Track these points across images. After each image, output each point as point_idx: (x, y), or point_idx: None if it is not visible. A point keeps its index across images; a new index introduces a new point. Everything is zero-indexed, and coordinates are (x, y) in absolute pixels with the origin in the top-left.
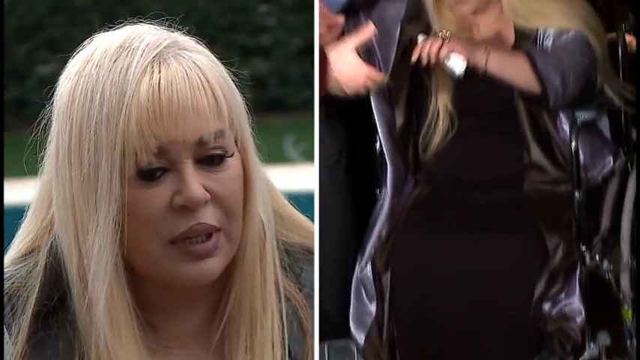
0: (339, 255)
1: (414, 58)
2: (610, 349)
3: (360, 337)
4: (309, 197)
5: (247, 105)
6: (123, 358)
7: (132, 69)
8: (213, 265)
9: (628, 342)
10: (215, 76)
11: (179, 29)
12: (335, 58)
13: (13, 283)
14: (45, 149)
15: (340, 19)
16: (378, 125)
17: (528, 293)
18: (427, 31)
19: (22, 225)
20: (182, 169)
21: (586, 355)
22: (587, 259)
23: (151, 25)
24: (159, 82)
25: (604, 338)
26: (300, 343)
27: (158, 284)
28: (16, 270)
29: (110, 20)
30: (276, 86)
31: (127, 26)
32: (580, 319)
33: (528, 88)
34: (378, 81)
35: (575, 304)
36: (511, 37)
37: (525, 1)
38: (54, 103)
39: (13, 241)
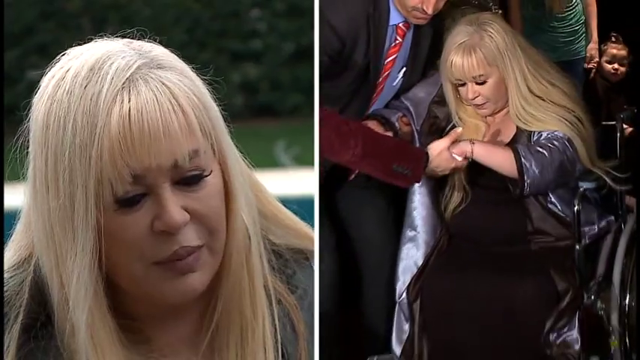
0: (388, 285)
1: None
2: None
3: (398, 351)
4: (303, 202)
5: (236, 110)
6: None
7: (102, 97)
8: (197, 280)
9: None
10: (186, 94)
11: (153, 39)
12: (434, 154)
13: (6, 291)
14: (25, 164)
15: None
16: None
17: (540, 327)
18: (449, 116)
19: (16, 232)
20: (160, 194)
21: None
22: (585, 298)
23: (121, 42)
24: (129, 112)
25: None
26: (293, 345)
27: (144, 300)
28: (11, 278)
29: (101, 25)
30: (267, 91)
31: (98, 44)
32: (577, 346)
33: (510, 174)
34: (461, 168)
35: (574, 334)
36: (512, 132)
37: (529, 109)
38: (29, 125)
39: (8, 246)
